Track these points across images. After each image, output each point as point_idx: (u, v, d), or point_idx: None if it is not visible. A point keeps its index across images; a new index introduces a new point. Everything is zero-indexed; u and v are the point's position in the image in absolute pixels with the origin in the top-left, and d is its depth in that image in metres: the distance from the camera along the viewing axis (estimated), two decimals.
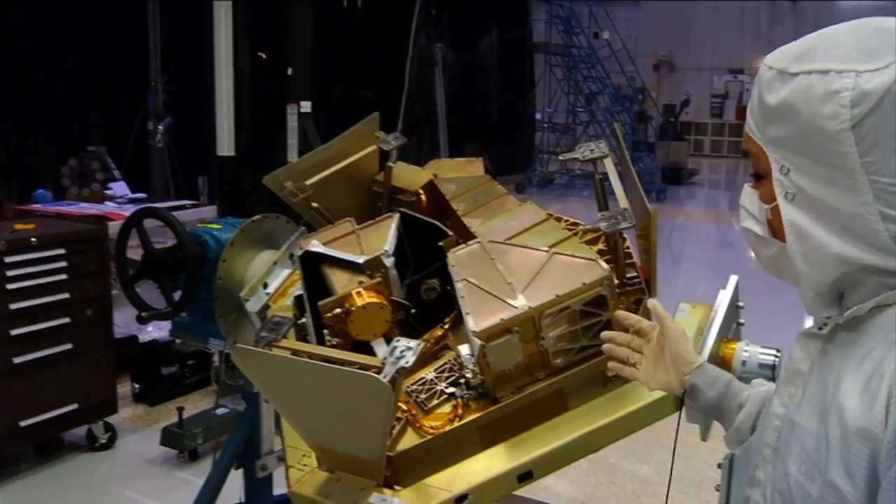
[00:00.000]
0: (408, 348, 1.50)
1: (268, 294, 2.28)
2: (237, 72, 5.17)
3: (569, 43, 16.78)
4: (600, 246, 2.00)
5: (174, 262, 2.30)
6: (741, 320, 1.84)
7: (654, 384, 1.41)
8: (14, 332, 3.87)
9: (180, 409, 4.32)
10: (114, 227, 4.51)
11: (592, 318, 1.68)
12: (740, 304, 1.81)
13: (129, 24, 8.48)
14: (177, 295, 2.44)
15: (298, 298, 2.09)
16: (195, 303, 2.45)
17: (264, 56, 5.27)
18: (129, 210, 6.95)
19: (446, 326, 1.93)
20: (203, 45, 5.80)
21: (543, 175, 17.07)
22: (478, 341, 1.61)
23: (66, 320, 4.08)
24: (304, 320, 1.91)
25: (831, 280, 1.05)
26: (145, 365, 5.23)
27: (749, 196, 1.13)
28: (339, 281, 1.91)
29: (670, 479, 1.58)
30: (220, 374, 2.83)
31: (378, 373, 1.50)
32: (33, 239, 3.93)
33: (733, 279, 1.76)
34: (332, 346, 1.94)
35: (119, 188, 8.11)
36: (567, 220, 2.11)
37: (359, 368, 1.55)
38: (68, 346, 4.10)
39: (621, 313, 1.48)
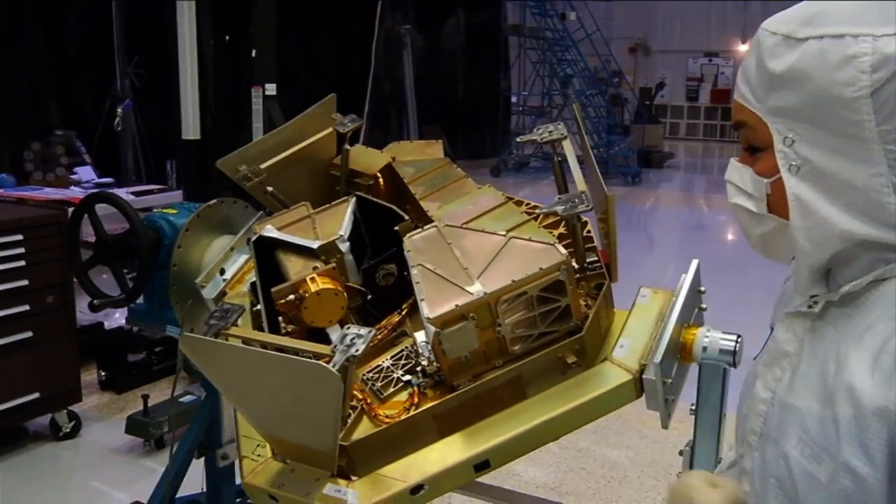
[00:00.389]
0: (358, 336, 1.46)
1: (225, 280, 2.23)
2: (202, 54, 5.08)
3: (542, 26, 16.74)
4: (561, 230, 1.96)
5: (128, 248, 2.24)
6: (703, 305, 1.81)
7: None
8: None
9: (145, 398, 4.26)
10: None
11: (551, 303, 1.64)
12: (702, 288, 1.78)
13: (96, 4, 8.33)
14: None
15: (255, 285, 2.04)
16: (152, 290, 2.40)
17: (228, 38, 5.17)
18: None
19: (404, 313, 1.89)
20: (168, 28, 5.71)
21: (519, 159, 17.06)
22: (432, 328, 1.57)
23: (26, 308, 4.01)
24: (259, 307, 1.86)
25: (828, 256, 1.02)
26: (111, 352, 5.16)
27: (738, 171, 1.07)
28: (294, 267, 1.86)
29: None
30: (185, 361, 2.78)
31: (328, 361, 1.46)
32: None
33: (694, 263, 1.73)
34: (287, 334, 1.89)
35: (85, 173, 7.98)
36: (528, 204, 2.07)
37: (309, 357, 1.51)
38: (28, 334, 4.04)
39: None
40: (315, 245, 1.85)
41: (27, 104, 8.48)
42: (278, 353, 1.45)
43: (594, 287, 1.85)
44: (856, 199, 0.96)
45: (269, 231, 1.95)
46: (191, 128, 5.18)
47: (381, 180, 2.18)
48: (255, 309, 1.96)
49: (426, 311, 1.58)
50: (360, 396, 1.71)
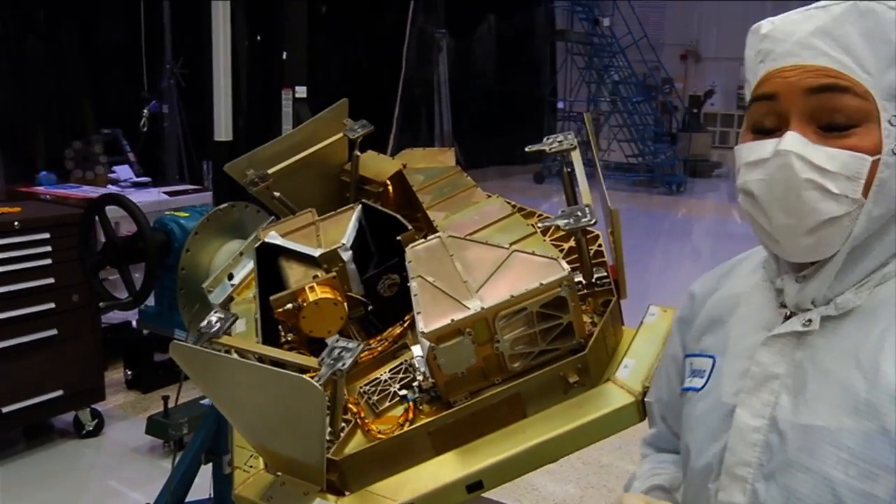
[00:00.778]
0: (345, 349, 1.41)
1: (233, 285, 2.21)
2: (235, 55, 5.09)
3: (589, 31, 16.58)
4: (572, 244, 1.90)
5: (135, 250, 2.23)
6: None
7: None
8: None
9: (165, 399, 4.27)
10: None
11: (552, 320, 1.58)
12: None
13: (146, 3, 8.43)
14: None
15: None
16: (162, 293, 2.39)
17: (259, 38, 5.17)
18: (131, 194, 6.93)
19: (406, 324, 1.85)
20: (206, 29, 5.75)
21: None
22: (427, 343, 1.52)
23: (51, 305, 4.03)
24: (256, 316, 1.83)
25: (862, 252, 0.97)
26: (138, 351, 5.19)
27: (811, 147, 0.93)
28: (295, 275, 1.82)
29: None
30: None
31: (316, 374, 1.42)
32: (16, 223, 3.88)
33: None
34: (287, 343, 1.86)
35: (123, 171, 8.08)
36: (541, 216, 2.01)
37: (298, 369, 1.47)
38: (53, 331, 4.06)
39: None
40: (316, 253, 1.81)
41: (73, 103, 8.61)
42: (262, 365, 1.42)
43: (601, 304, 1.79)
44: None
45: (273, 237, 1.92)
46: (223, 129, 5.18)
47: (390, 187, 2.14)
48: (255, 316, 1.94)
49: (421, 324, 1.54)
50: (355, 410, 1.66)
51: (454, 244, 1.72)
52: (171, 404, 3.39)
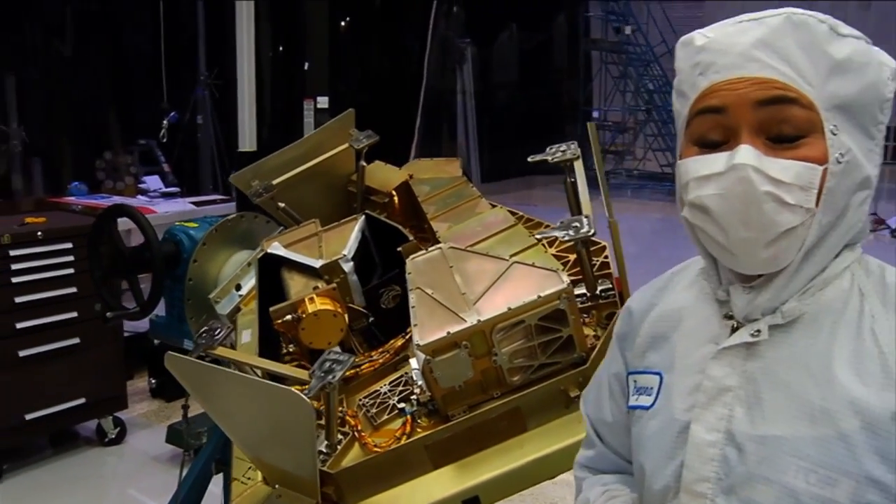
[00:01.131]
0: (336, 362, 1.40)
1: (240, 296, 2.20)
2: (259, 66, 5.12)
3: (623, 40, 16.46)
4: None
5: (142, 261, 2.24)
6: None
7: None
8: (20, 325, 3.86)
9: (185, 408, 4.27)
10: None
11: (551, 333, 1.56)
12: None
13: (181, 16, 8.52)
14: None
15: None
16: (172, 303, 2.39)
17: (281, 49, 5.19)
18: (158, 204, 6.98)
19: (407, 336, 1.82)
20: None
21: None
22: (423, 355, 1.50)
23: (74, 314, 4.06)
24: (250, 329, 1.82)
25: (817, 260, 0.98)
26: (162, 360, 5.20)
27: (765, 160, 0.92)
28: (295, 286, 1.82)
29: None
30: None
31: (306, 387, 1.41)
32: (40, 233, 3.92)
33: None
34: (288, 354, 1.85)
35: (153, 182, 8.15)
36: (548, 226, 1.99)
37: (290, 381, 1.46)
38: (75, 340, 4.09)
39: None
40: (318, 264, 1.80)
41: (106, 115, 8.73)
42: (252, 377, 1.40)
43: (605, 316, 1.76)
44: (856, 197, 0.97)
45: (276, 248, 1.91)
46: (247, 139, 5.21)
47: (396, 198, 2.12)
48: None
49: (417, 337, 1.52)
50: (352, 423, 1.65)
51: (455, 255, 1.70)
52: (183, 415, 3.39)
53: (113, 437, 4.44)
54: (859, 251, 1.01)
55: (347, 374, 1.76)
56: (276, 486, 1.59)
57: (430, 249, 1.75)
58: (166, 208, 6.33)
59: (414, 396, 1.65)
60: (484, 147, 11.21)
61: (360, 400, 1.71)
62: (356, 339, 1.87)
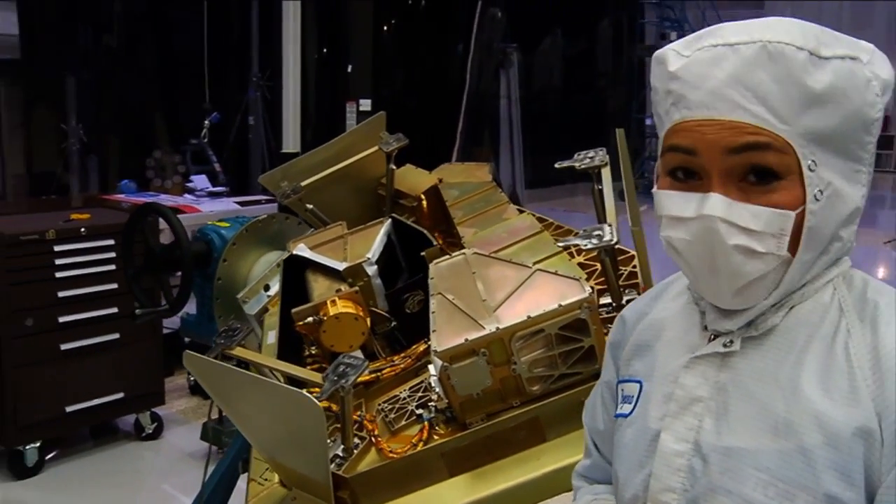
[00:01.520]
0: (350, 366, 1.39)
1: (269, 296, 2.21)
2: (304, 68, 5.15)
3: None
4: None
5: (173, 259, 2.25)
6: None
7: None
8: (62, 319, 3.94)
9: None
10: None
11: (572, 343, 1.53)
12: None
13: (234, 17, 8.63)
14: None
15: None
16: (203, 302, 2.40)
17: (325, 51, 5.22)
18: (204, 203, 7.06)
19: (430, 342, 1.81)
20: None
21: (650, 182, 16.61)
22: (440, 362, 1.48)
23: (114, 310, 4.12)
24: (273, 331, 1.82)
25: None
26: None
27: (736, 207, 0.89)
28: (319, 288, 1.81)
29: None
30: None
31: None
32: (83, 229, 3.99)
33: None
34: (310, 356, 1.85)
35: (200, 181, 8.26)
36: (577, 234, 1.96)
37: (304, 384, 1.45)
38: (115, 335, 4.15)
39: None
40: (341, 267, 1.80)
41: (157, 114, 8.88)
42: (264, 379, 1.40)
43: None
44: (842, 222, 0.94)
45: (301, 250, 1.91)
46: (291, 140, 5.25)
47: (424, 202, 2.11)
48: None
49: (434, 343, 1.50)
50: (370, 427, 1.63)
51: (478, 261, 1.68)
52: (208, 415, 3.42)
53: (150, 432, 4.50)
54: (847, 265, 0.98)
55: (368, 378, 1.76)
56: (293, 488, 1.59)
57: (453, 255, 1.73)
58: (211, 207, 6.40)
59: (432, 403, 1.63)
60: (528, 153, 11.15)
61: (380, 405, 1.70)
62: (379, 343, 1.86)
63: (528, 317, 1.48)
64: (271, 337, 2.02)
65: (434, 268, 1.70)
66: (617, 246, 1.63)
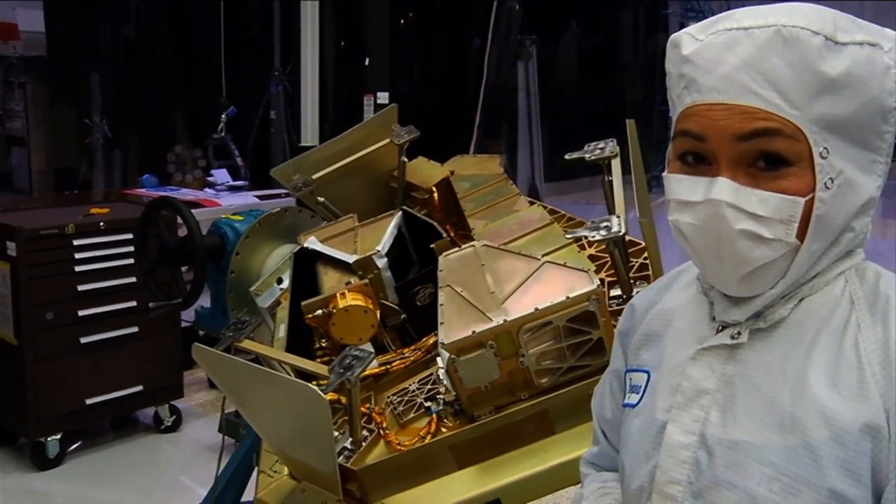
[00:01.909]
0: (357, 359, 1.38)
1: (281, 289, 2.21)
2: (322, 61, 5.16)
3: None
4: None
5: (186, 253, 2.26)
6: None
7: None
8: (81, 312, 3.97)
9: None
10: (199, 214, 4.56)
11: (581, 335, 1.52)
12: None
13: (255, 12, 8.66)
14: None
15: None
16: (217, 295, 2.41)
17: (343, 44, 5.22)
18: (223, 197, 7.08)
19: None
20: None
21: None
22: (447, 354, 1.48)
23: (133, 304, 4.14)
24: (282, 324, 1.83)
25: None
26: None
27: (743, 192, 0.89)
28: (329, 281, 1.82)
29: None
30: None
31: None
32: (102, 223, 4.02)
33: None
34: (321, 349, 1.85)
35: (220, 175, 8.29)
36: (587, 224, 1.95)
37: (312, 377, 1.45)
38: (134, 329, 4.17)
39: None
40: (351, 259, 1.80)
41: (178, 109, 8.93)
42: (271, 371, 1.40)
43: None
44: (854, 212, 0.93)
45: (312, 243, 1.91)
46: (309, 134, 5.26)
47: (435, 194, 2.11)
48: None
49: (442, 335, 1.50)
50: (378, 420, 1.63)
51: (487, 254, 1.67)
52: (222, 407, 3.43)
53: (169, 424, 4.53)
54: (860, 257, 0.97)
55: (378, 371, 1.76)
56: (302, 480, 1.60)
57: (463, 247, 1.73)
58: (230, 201, 6.43)
59: (440, 396, 1.62)
60: (548, 146, 11.08)
61: (389, 397, 1.70)
62: (389, 335, 1.86)
63: (536, 309, 1.48)
64: (283, 330, 2.02)
65: (443, 260, 1.70)
66: (628, 237, 1.62)
